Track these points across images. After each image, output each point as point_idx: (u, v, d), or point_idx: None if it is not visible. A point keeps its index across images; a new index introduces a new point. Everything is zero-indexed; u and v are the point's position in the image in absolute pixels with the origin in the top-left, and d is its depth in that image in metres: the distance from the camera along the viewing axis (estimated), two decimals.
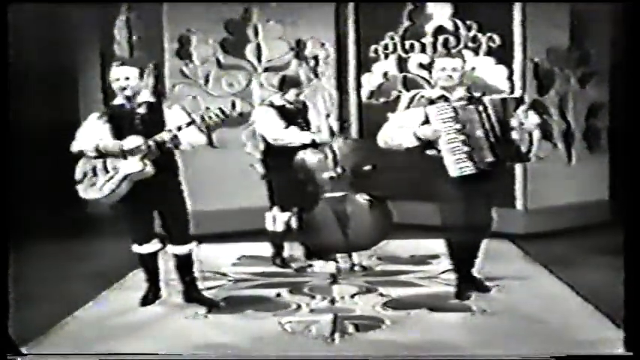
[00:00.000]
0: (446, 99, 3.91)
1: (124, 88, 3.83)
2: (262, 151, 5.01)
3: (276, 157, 4.81)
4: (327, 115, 4.80)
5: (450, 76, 3.91)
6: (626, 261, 3.18)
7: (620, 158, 6.33)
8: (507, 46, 6.00)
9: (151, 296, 4.13)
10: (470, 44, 6.17)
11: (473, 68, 5.98)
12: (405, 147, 3.93)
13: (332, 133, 4.85)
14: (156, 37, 6.29)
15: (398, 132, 3.94)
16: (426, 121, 3.86)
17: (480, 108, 3.82)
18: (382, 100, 6.62)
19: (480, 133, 3.80)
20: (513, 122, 3.82)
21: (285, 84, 4.94)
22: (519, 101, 3.99)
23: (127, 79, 3.82)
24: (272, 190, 4.95)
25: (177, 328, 3.71)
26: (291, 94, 4.89)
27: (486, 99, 3.90)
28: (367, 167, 4.77)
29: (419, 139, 3.88)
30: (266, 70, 6.44)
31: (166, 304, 4.11)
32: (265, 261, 5.09)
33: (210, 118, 3.79)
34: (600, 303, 3.82)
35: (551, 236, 5.79)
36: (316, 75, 4.90)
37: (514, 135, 3.83)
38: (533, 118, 3.95)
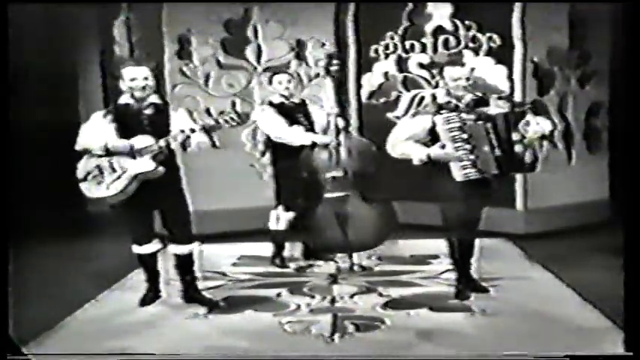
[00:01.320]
0: (455, 106, 3.93)
1: (144, 88, 3.83)
2: (269, 150, 5.00)
3: (286, 156, 4.80)
4: (337, 115, 4.77)
5: (465, 87, 3.96)
6: (626, 261, 3.18)
7: (620, 158, 6.32)
8: (507, 46, 6.00)
9: (151, 296, 4.13)
10: (470, 44, 6.16)
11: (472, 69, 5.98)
12: (415, 162, 3.94)
13: (338, 133, 4.82)
14: (156, 37, 6.29)
15: (411, 148, 3.96)
16: (433, 128, 3.90)
17: (488, 125, 3.84)
18: (382, 100, 6.62)
19: (486, 148, 3.84)
20: (515, 136, 3.85)
21: (272, 76, 4.98)
22: (521, 115, 3.98)
23: (146, 78, 3.84)
24: (279, 189, 4.95)
25: (177, 328, 3.71)
26: (274, 83, 4.90)
27: (492, 112, 3.91)
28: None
29: (430, 159, 3.90)
30: (266, 70, 6.42)
31: (166, 304, 4.11)
32: (265, 261, 5.08)
33: (226, 121, 3.79)
34: (600, 303, 3.81)
35: (551, 236, 5.77)
36: (328, 72, 4.84)
37: (517, 149, 3.86)
38: (533, 127, 3.95)
